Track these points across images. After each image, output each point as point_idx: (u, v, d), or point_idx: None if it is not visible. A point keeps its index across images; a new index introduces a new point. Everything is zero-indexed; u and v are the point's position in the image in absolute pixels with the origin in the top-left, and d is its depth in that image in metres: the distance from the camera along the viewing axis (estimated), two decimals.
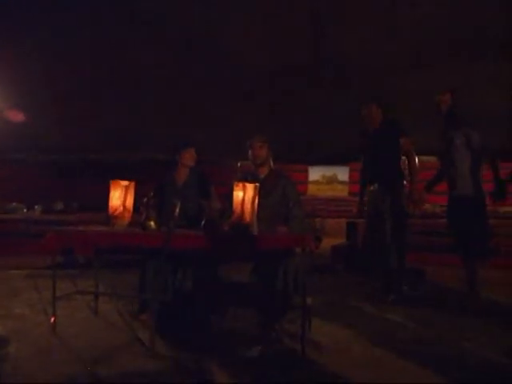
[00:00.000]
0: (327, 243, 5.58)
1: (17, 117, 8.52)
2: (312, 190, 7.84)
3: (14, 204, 8.05)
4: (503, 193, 4.14)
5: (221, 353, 2.89)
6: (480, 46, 7.76)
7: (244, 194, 3.04)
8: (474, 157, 4.26)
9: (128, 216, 3.40)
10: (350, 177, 11.04)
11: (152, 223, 3.30)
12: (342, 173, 10.76)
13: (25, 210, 7.98)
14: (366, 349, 3.01)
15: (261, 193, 3.15)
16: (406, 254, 4.31)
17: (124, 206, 3.37)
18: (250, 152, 3.72)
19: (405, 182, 4.39)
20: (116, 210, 3.36)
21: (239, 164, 5.21)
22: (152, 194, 3.41)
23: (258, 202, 3.10)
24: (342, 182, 11.17)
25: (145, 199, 3.36)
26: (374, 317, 3.84)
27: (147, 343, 2.97)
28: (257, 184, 3.12)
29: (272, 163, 3.78)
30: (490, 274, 4.80)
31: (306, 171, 10.91)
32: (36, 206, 7.98)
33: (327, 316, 3.73)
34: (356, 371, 2.65)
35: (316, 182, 7.37)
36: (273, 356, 2.87)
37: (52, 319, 3.27)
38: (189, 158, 4.04)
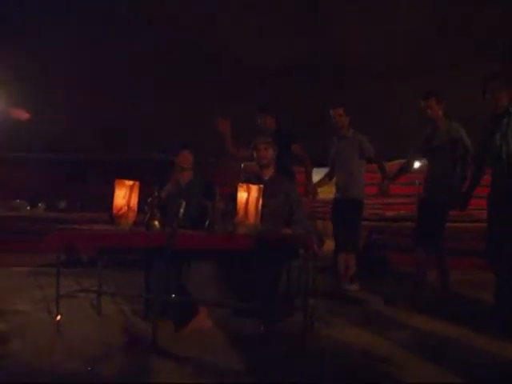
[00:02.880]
0: (329, 245, 5.61)
1: (21, 115, 8.54)
2: None
3: (17, 201, 8.09)
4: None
5: (223, 352, 2.91)
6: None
7: (248, 196, 3.06)
8: (359, 160, 4.82)
9: (132, 216, 3.41)
10: None
11: (156, 223, 3.32)
12: None
13: (28, 208, 8.02)
14: (368, 351, 3.01)
15: (264, 194, 3.17)
16: None
17: (128, 206, 3.38)
18: (254, 153, 3.74)
19: None
20: (120, 209, 3.37)
21: (242, 165, 5.23)
22: (156, 193, 3.42)
23: (262, 203, 3.13)
24: None
25: (149, 199, 3.37)
26: (375, 318, 3.85)
27: (149, 342, 2.99)
28: (261, 186, 3.14)
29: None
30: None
31: None
32: (39, 204, 8.03)
33: (328, 317, 3.74)
34: (357, 373, 2.67)
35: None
36: (276, 357, 2.88)
37: (58, 317, 3.28)
38: (182, 160, 4.05)
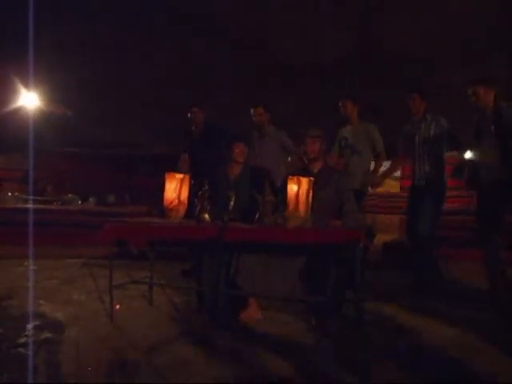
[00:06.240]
0: (378, 239, 5.51)
1: (60, 111, 8.73)
2: None
3: (69, 195, 8.33)
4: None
5: (273, 345, 2.90)
6: None
7: (298, 188, 3.04)
8: (280, 156, 5.02)
9: (183, 209, 3.45)
10: (402, 172, 10.47)
11: (206, 216, 3.34)
12: None
13: (79, 202, 8.24)
14: (422, 347, 2.95)
15: (314, 186, 3.14)
16: None
17: (179, 199, 3.42)
18: (302, 147, 3.71)
19: None
20: (171, 202, 3.42)
21: (289, 158, 5.21)
22: (206, 187, 3.44)
23: (312, 195, 3.09)
24: (394, 178, 10.87)
25: (199, 192, 3.40)
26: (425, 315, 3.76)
27: (200, 333, 3.02)
28: (311, 178, 3.11)
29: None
30: None
31: None
32: (90, 199, 8.24)
33: (380, 311, 3.68)
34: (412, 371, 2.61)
35: None
36: (327, 351, 2.85)
37: (117, 307, 3.37)
38: (238, 152, 4.05)
